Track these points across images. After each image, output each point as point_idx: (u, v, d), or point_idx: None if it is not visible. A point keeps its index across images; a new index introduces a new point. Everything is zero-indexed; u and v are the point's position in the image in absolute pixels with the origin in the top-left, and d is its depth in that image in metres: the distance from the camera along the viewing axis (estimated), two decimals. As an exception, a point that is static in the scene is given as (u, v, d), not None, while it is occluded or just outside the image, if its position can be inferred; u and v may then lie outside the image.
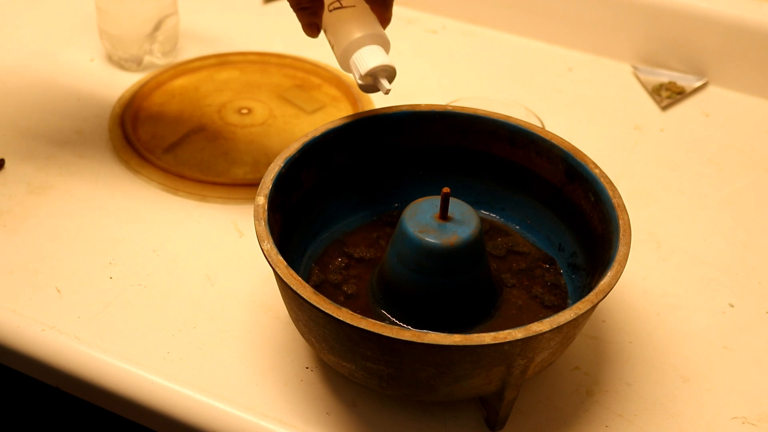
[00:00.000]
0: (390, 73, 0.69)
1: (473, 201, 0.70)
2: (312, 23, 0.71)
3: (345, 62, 0.70)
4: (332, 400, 0.66)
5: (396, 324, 0.66)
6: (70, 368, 0.69)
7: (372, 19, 0.70)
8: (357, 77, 0.69)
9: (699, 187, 0.90)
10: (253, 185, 0.83)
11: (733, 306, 0.77)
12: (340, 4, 0.70)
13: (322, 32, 0.72)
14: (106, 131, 0.91)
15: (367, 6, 0.70)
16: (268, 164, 0.68)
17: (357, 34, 0.69)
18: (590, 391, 0.68)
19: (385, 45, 0.70)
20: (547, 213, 0.73)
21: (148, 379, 0.67)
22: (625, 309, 0.75)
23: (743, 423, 0.67)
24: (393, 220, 0.75)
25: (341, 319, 0.56)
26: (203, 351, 0.70)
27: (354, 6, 0.70)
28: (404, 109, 0.73)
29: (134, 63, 1.00)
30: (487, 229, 0.75)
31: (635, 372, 0.70)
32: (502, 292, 0.70)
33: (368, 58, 0.68)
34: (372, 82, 0.69)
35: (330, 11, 0.71)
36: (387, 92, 0.69)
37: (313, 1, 0.70)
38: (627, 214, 0.65)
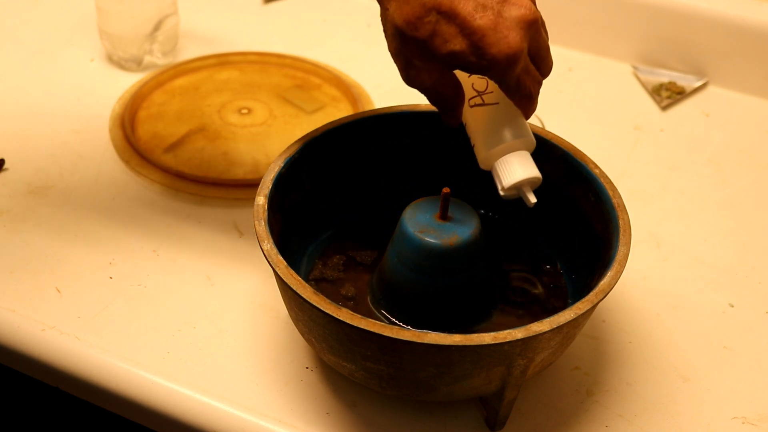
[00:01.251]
0: (536, 182, 0.63)
1: (473, 201, 0.70)
2: (451, 119, 0.65)
3: (486, 166, 0.64)
4: (332, 400, 0.66)
5: (396, 324, 0.66)
6: (70, 368, 0.69)
7: (516, 117, 0.63)
8: (499, 188, 0.63)
9: (699, 187, 0.90)
10: (253, 185, 0.83)
11: (733, 306, 0.77)
12: (482, 100, 0.64)
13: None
14: (106, 131, 0.91)
15: (510, 102, 0.62)
16: (268, 164, 0.68)
17: (502, 141, 0.62)
18: (590, 391, 0.68)
19: (530, 146, 0.64)
20: (547, 213, 0.73)
21: (148, 379, 0.67)
22: (625, 309, 0.75)
23: (743, 423, 0.67)
24: (393, 220, 0.75)
25: (341, 319, 0.56)
26: (203, 351, 0.70)
27: (497, 103, 0.64)
28: (404, 109, 0.73)
29: (134, 63, 1.00)
30: (496, 236, 0.74)
31: (635, 372, 0.70)
32: (502, 292, 0.70)
33: (514, 170, 0.62)
34: (515, 192, 0.63)
35: (471, 106, 0.64)
36: (532, 205, 0.63)
37: (454, 97, 0.63)
38: (627, 214, 0.65)
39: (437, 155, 0.75)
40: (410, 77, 0.62)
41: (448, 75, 0.62)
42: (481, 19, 0.57)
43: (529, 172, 0.62)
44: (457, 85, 0.63)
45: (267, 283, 0.75)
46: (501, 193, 0.63)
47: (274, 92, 0.98)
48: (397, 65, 0.62)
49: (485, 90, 0.65)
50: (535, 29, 0.59)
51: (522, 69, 0.59)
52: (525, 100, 0.61)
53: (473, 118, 0.65)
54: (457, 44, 0.57)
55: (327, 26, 1.13)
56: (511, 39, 0.57)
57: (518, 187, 0.63)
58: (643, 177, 0.91)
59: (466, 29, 0.57)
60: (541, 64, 0.62)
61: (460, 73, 0.63)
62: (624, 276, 0.62)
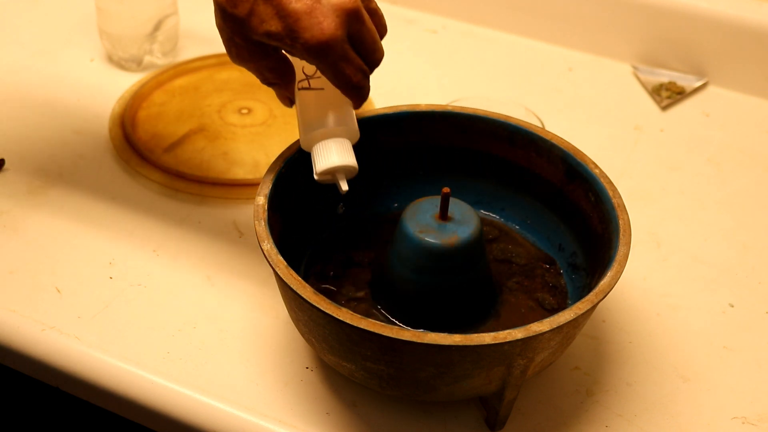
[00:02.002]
0: (350, 171, 0.65)
1: (473, 201, 0.70)
2: (284, 97, 0.67)
3: (306, 148, 0.66)
4: (332, 400, 0.66)
5: (396, 324, 0.66)
6: (70, 368, 0.69)
7: (341, 105, 0.65)
8: (314, 171, 0.64)
9: (699, 187, 0.90)
10: (253, 185, 0.83)
11: (733, 306, 0.77)
12: (309, 84, 0.65)
13: None
14: (106, 131, 0.91)
15: (336, 89, 0.63)
16: (268, 164, 0.68)
17: (320, 126, 0.64)
18: (590, 391, 0.68)
19: (352, 136, 0.65)
20: (547, 213, 0.73)
21: (148, 379, 0.67)
22: (625, 309, 0.75)
23: (743, 423, 0.67)
24: (393, 220, 0.75)
25: (341, 319, 0.56)
26: (203, 351, 0.70)
27: (323, 88, 0.65)
28: (404, 109, 0.73)
29: (134, 63, 1.00)
30: (497, 236, 0.74)
31: (635, 372, 0.70)
32: (502, 292, 0.70)
33: (326, 157, 0.64)
34: (330, 178, 0.65)
35: (298, 90, 0.66)
36: (344, 192, 0.64)
37: (281, 77, 0.64)
38: (627, 214, 0.65)
39: (437, 155, 0.75)
40: (232, 54, 0.63)
41: (271, 56, 0.62)
42: (297, 3, 0.58)
43: (343, 159, 0.63)
44: (282, 68, 0.64)
45: (267, 283, 0.75)
46: (315, 177, 0.64)
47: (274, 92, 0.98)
48: (223, 43, 0.63)
49: (313, 74, 0.65)
50: (355, 18, 0.60)
51: (339, 57, 0.60)
52: (348, 89, 0.62)
53: (300, 101, 0.66)
54: (273, 25, 0.58)
55: (327, 26, 1.13)
56: (325, 26, 0.58)
57: (332, 173, 0.64)
58: (643, 177, 0.91)
59: (281, 11, 0.58)
60: (367, 54, 0.62)
61: (292, 57, 0.64)
62: (624, 276, 0.62)
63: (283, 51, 0.63)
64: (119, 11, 0.97)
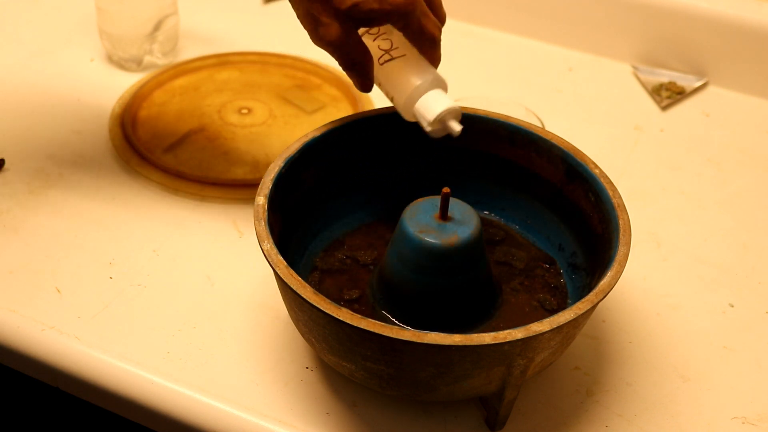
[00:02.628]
0: (457, 114, 0.68)
1: (473, 201, 0.70)
2: (365, 81, 0.69)
3: (408, 112, 0.69)
4: (332, 400, 0.66)
5: (396, 324, 0.66)
6: (70, 368, 0.69)
7: (424, 63, 0.69)
8: (425, 125, 0.68)
9: (699, 187, 0.90)
10: (253, 185, 0.83)
11: (733, 306, 0.77)
12: (391, 55, 0.69)
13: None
14: (106, 131, 0.91)
15: (416, 51, 0.68)
16: (268, 164, 0.68)
17: (415, 83, 0.68)
18: (590, 391, 0.68)
19: (443, 86, 0.69)
20: (547, 213, 0.73)
21: (148, 379, 0.67)
22: (625, 309, 0.75)
23: (743, 423, 0.67)
24: (393, 219, 0.75)
25: (341, 319, 0.56)
26: (203, 351, 0.70)
27: (404, 54, 0.69)
28: (404, 109, 0.73)
29: (134, 63, 1.00)
30: (503, 237, 0.74)
31: (635, 372, 0.70)
32: (502, 292, 0.70)
33: (433, 105, 0.67)
34: (441, 127, 0.68)
35: (381, 64, 0.69)
36: (458, 133, 0.68)
37: (363, 56, 0.67)
38: (627, 214, 0.65)
39: (437, 155, 0.75)
40: (320, 35, 0.66)
41: (354, 33, 0.66)
42: None
43: (445, 104, 0.67)
44: (364, 47, 0.67)
45: (267, 283, 0.75)
46: (428, 129, 0.68)
47: (274, 92, 0.98)
48: (307, 27, 0.67)
49: (391, 47, 0.70)
50: None
51: (422, 13, 0.65)
52: (429, 44, 0.67)
53: (385, 75, 0.70)
54: None
55: (327, 26, 1.13)
56: None
57: (441, 120, 0.68)
58: (643, 177, 0.91)
59: None
60: (437, 11, 0.68)
61: (365, 40, 0.69)
62: (624, 276, 0.62)
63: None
64: (119, 11, 0.97)
